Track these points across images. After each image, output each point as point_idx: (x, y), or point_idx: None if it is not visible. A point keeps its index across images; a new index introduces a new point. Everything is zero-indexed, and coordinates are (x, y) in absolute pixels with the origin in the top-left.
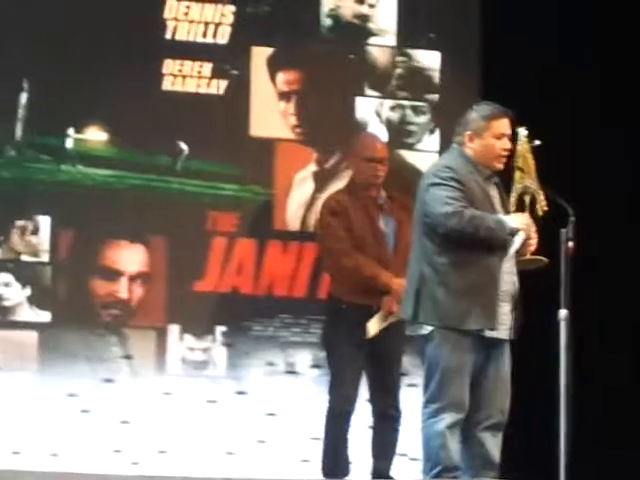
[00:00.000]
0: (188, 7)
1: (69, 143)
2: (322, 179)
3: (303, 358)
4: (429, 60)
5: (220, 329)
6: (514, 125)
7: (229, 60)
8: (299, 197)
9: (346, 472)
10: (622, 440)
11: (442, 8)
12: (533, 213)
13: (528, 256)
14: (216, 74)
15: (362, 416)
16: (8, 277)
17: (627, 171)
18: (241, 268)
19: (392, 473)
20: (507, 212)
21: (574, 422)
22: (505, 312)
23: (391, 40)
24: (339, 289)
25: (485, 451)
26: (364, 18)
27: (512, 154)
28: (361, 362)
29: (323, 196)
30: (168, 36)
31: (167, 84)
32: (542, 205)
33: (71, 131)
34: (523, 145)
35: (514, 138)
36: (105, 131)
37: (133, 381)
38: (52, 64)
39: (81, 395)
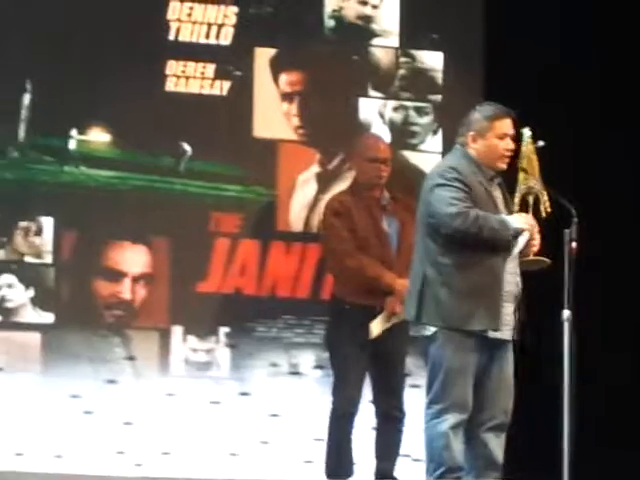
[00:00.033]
0: (191, 8)
1: (72, 144)
2: (325, 180)
3: (306, 359)
4: (432, 61)
5: (223, 330)
6: (517, 125)
7: (232, 61)
8: (302, 198)
9: (349, 473)
10: (625, 440)
11: (445, 9)
12: (536, 214)
13: (531, 257)
14: (219, 75)
15: (365, 417)
16: (11, 278)
17: (630, 172)
18: (244, 269)
19: (395, 474)
20: (510, 213)
21: (577, 422)
22: (508, 313)
23: (394, 41)
24: (342, 290)
25: (488, 452)
26: (367, 19)
27: (515, 154)
28: (364, 363)
29: (326, 197)
30: (171, 37)
31: (170, 85)
32: (546, 206)
33: (74, 132)
34: (527, 146)
35: (517, 138)
36: (108, 132)
37: (136, 382)
38: (55, 65)
39: (84, 396)
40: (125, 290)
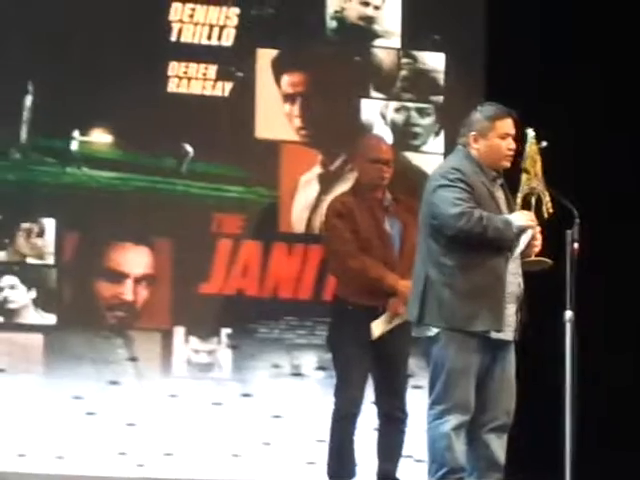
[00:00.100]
0: (193, 9)
1: (74, 145)
2: (327, 181)
3: (308, 360)
4: (434, 62)
5: (225, 331)
6: (518, 125)
7: (234, 62)
8: (304, 199)
9: (352, 474)
10: (627, 441)
11: (447, 10)
12: (538, 214)
13: (533, 257)
14: (221, 76)
15: (368, 418)
16: (13, 280)
17: (632, 172)
18: (246, 270)
19: (398, 475)
20: (512, 213)
21: (579, 423)
22: (510, 313)
23: (396, 42)
24: (345, 291)
25: (490, 453)
26: (369, 20)
27: (518, 154)
28: (367, 364)
29: (328, 198)
30: (173, 38)
31: (172, 86)
32: (548, 207)
33: (76, 133)
34: (531, 146)
35: (518, 138)
36: (110, 133)
37: (138, 383)
38: (57, 66)
39: (86, 397)
40: (127, 291)
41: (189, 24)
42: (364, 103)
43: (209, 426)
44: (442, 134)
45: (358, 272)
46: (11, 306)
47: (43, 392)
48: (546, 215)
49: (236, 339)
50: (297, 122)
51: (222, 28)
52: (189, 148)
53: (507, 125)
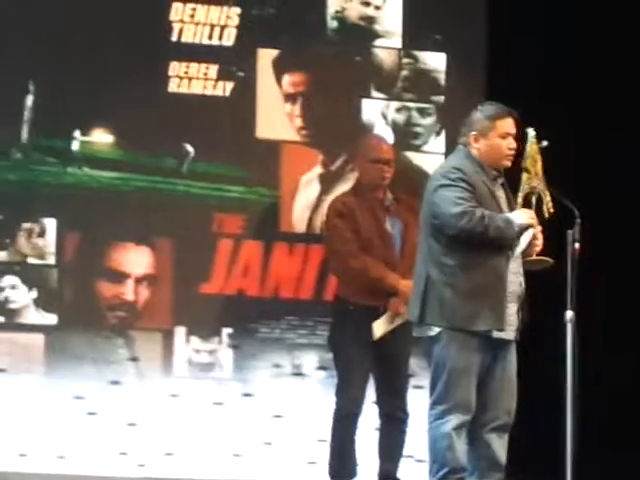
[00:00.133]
0: (194, 9)
1: (75, 145)
2: (328, 181)
3: (310, 360)
4: (435, 62)
5: (226, 331)
6: (518, 124)
7: (235, 62)
8: (305, 199)
9: (353, 474)
10: (628, 441)
11: (448, 10)
12: (539, 214)
13: (534, 257)
14: (222, 76)
15: (369, 418)
16: (14, 280)
17: (633, 172)
18: (247, 270)
19: (399, 475)
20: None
21: (580, 423)
22: (512, 313)
23: (397, 42)
24: (346, 291)
25: (491, 452)
26: (370, 20)
27: (518, 154)
28: (368, 364)
29: (329, 198)
30: (174, 38)
31: (173, 86)
32: (548, 206)
33: (77, 133)
34: (532, 146)
35: (519, 138)
36: (111, 133)
37: (139, 383)
38: (58, 66)
39: (87, 397)
40: (128, 291)
41: (190, 24)
42: (365, 103)
43: (210, 426)
44: (443, 134)
45: (359, 272)
46: (12, 306)
47: (44, 392)
48: (547, 215)
49: (237, 339)
50: (298, 122)
51: (223, 28)
52: (190, 148)
53: (508, 124)
